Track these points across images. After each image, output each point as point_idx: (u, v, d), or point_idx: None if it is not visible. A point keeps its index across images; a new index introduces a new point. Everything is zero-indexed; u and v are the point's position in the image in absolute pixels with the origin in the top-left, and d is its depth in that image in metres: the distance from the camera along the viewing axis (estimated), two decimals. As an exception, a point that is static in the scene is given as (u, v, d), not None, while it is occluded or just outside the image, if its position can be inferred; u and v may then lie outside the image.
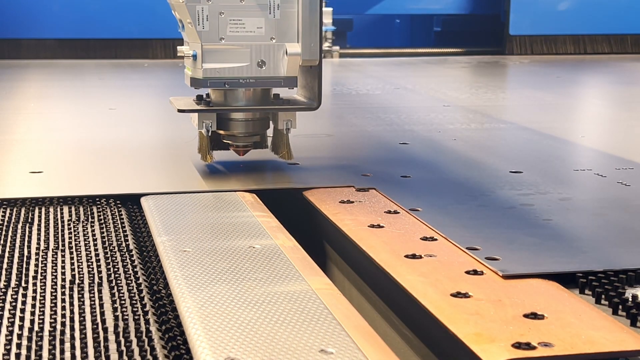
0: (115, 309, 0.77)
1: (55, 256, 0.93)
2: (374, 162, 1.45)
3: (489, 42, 3.91)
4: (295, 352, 0.65)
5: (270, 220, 1.03)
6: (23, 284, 0.84)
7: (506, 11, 3.79)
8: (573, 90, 2.78)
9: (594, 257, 0.90)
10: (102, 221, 1.06)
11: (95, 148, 1.57)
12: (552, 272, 0.84)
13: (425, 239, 0.96)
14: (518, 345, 0.66)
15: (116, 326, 0.73)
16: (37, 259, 0.91)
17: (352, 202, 1.13)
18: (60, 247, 0.96)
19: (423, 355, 0.80)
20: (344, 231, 1.01)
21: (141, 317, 0.76)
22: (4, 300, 0.79)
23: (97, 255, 0.94)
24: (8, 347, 0.69)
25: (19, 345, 0.69)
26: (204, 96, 1.31)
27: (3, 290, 0.82)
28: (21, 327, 0.73)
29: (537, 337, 0.68)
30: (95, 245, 0.97)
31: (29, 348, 0.68)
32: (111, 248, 0.96)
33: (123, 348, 0.68)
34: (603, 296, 0.78)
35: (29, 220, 1.07)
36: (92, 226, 1.04)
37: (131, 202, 1.15)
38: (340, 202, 1.13)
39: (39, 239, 0.99)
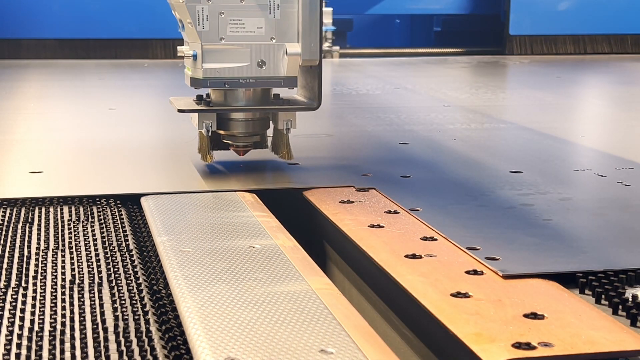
0: (115, 309, 0.77)
1: (55, 256, 0.93)
2: (374, 162, 1.45)
3: (489, 42, 3.91)
4: (295, 352, 0.65)
5: (270, 220, 1.03)
6: (23, 284, 0.84)
7: (506, 11, 3.79)
8: (573, 90, 2.78)
9: (594, 257, 0.90)
10: (102, 221, 1.06)
11: (95, 148, 1.57)
12: (552, 272, 0.84)
13: (425, 239, 0.96)
14: (518, 345, 0.66)
15: (116, 326, 0.73)
16: (37, 259, 0.91)
17: (352, 202, 1.13)
18: (60, 247, 0.96)
19: (423, 355, 0.80)
20: (344, 231, 1.01)
21: (141, 317, 0.76)
22: (4, 300, 0.79)
23: (97, 255, 0.94)
24: (8, 347, 0.69)
25: (19, 345, 0.69)
26: (204, 96, 1.31)
27: (3, 290, 0.82)
28: (21, 327, 0.73)
29: (537, 337, 0.68)
30: (95, 245, 0.97)
31: (29, 348, 0.68)
32: (111, 248, 0.96)
33: (123, 348, 0.68)
34: (603, 296, 0.78)
35: (29, 220, 1.07)
36: (92, 226, 1.04)
37: (131, 202, 1.15)
38: (340, 202, 1.13)
39: (39, 239, 0.99)
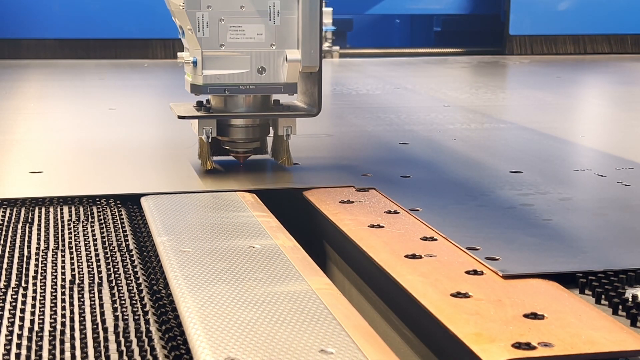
0: (115, 309, 0.77)
1: (55, 256, 0.93)
2: (374, 162, 1.45)
3: (489, 42, 3.91)
4: (295, 352, 0.65)
5: (270, 220, 1.03)
6: (23, 284, 0.84)
7: (506, 11, 3.79)
8: (573, 90, 2.78)
9: (594, 257, 0.90)
10: (102, 221, 1.06)
11: (95, 148, 1.57)
12: (552, 272, 0.84)
13: (425, 239, 0.96)
14: (518, 345, 0.66)
15: (116, 326, 0.73)
16: (37, 259, 0.91)
17: (352, 202, 1.13)
18: (60, 247, 0.96)
19: (423, 355, 0.80)
20: (344, 231, 1.01)
21: (141, 317, 0.76)
22: (4, 300, 0.79)
23: (97, 255, 0.94)
24: (8, 347, 0.69)
25: (19, 345, 0.69)
26: (204, 102, 1.31)
27: (3, 290, 0.82)
28: (21, 327, 0.73)
29: (537, 337, 0.68)
30: (95, 245, 0.97)
31: (29, 348, 0.68)
32: (111, 248, 0.96)
33: (123, 348, 0.68)
34: (603, 296, 0.78)
35: (29, 220, 1.07)
36: (92, 226, 1.04)
37: (131, 202, 1.15)
38: (340, 202, 1.13)
39: (39, 239, 0.99)
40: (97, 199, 1.15)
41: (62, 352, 0.68)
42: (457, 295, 0.78)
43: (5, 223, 1.05)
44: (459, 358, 0.70)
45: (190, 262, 0.86)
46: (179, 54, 1.27)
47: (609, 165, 1.41)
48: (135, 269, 0.88)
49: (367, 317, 0.85)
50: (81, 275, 0.87)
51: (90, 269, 0.89)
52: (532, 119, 1.94)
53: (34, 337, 0.70)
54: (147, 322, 0.75)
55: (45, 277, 0.86)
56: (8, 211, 1.11)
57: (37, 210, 1.11)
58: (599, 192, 1.24)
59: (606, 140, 1.76)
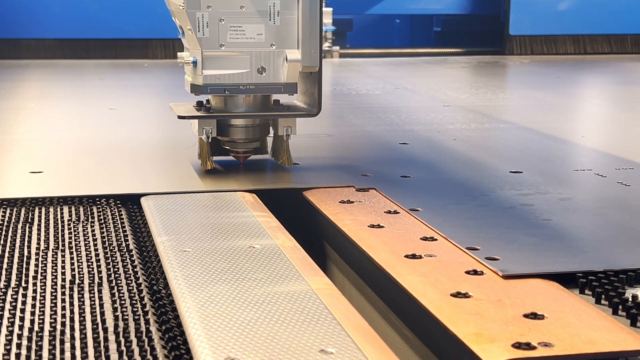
0: (115, 309, 0.77)
1: (55, 256, 0.93)
2: (374, 162, 1.45)
3: (489, 42, 3.91)
4: (295, 352, 0.65)
5: (270, 220, 1.03)
6: (23, 284, 0.84)
7: (506, 11, 3.79)
8: (573, 90, 2.78)
9: (594, 257, 0.90)
10: (102, 221, 1.06)
11: (95, 148, 1.57)
12: (552, 272, 0.84)
13: (425, 239, 0.96)
14: (518, 345, 0.66)
15: (116, 326, 0.73)
16: (37, 259, 0.91)
17: (352, 202, 1.13)
18: (60, 247, 0.96)
19: (423, 355, 0.80)
20: (344, 231, 1.01)
21: (141, 317, 0.76)
22: (4, 300, 0.79)
23: (97, 255, 0.94)
24: (8, 347, 0.69)
25: (19, 345, 0.69)
26: (204, 102, 1.31)
27: (3, 290, 0.82)
28: (21, 327, 0.73)
29: (537, 337, 0.68)
30: (95, 245, 0.97)
31: (29, 348, 0.68)
32: (111, 248, 0.96)
33: (123, 348, 0.68)
34: (603, 296, 0.78)
35: (29, 220, 1.07)
36: (92, 226, 1.04)
37: (131, 202, 1.15)
38: (340, 202, 1.13)
39: (39, 239, 0.99)
40: (97, 199, 1.15)
41: (62, 352, 0.68)
42: (457, 295, 0.78)
43: (5, 223, 1.05)
44: (459, 358, 0.70)
45: (190, 262, 0.86)
46: (179, 54, 1.27)
47: (609, 165, 1.41)
48: (135, 269, 0.88)
49: (367, 317, 0.85)
50: (81, 275, 0.87)
51: (90, 269, 0.89)
52: (532, 119, 1.94)
53: (34, 337, 0.70)
54: (147, 322, 0.75)
55: (45, 277, 0.86)
56: (8, 211, 1.11)
57: (37, 210, 1.11)
58: (599, 192, 1.24)
59: (606, 140, 1.76)
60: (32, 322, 0.74)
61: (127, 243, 0.97)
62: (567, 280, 0.83)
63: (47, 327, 0.73)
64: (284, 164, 1.33)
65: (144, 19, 3.48)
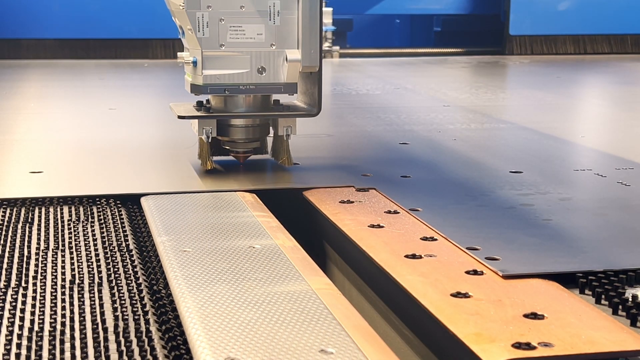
0: (115, 309, 0.77)
1: (55, 256, 0.93)
2: (374, 162, 1.45)
3: (489, 42, 3.91)
4: (295, 352, 0.65)
5: (270, 220, 1.03)
6: (23, 284, 0.84)
7: (506, 11, 3.79)
8: (573, 90, 2.78)
9: (594, 257, 0.90)
10: (102, 221, 1.06)
11: (95, 148, 1.57)
12: (552, 272, 0.84)
13: (425, 239, 0.96)
14: (518, 345, 0.66)
15: (116, 326, 0.73)
16: (37, 259, 0.91)
17: (352, 202, 1.13)
18: (60, 247, 0.96)
19: (423, 355, 0.80)
20: (344, 231, 1.01)
21: (141, 317, 0.76)
22: (4, 300, 0.79)
23: (97, 255, 0.94)
24: (8, 347, 0.69)
25: (19, 345, 0.69)
26: (204, 102, 1.31)
27: (3, 290, 0.82)
28: (21, 327, 0.73)
29: (537, 337, 0.68)
30: (95, 245, 0.97)
31: (29, 348, 0.68)
32: (111, 248, 0.96)
33: (123, 348, 0.68)
34: (603, 296, 0.78)
35: (29, 220, 1.07)
36: (92, 226, 1.04)
37: (131, 202, 1.15)
38: (340, 202, 1.13)
39: (39, 239, 0.99)
40: (97, 199, 1.15)
41: (62, 352, 0.68)
42: (457, 295, 0.78)
43: (5, 223, 1.05)
44: (459, 358, 0.70)
45: (190, 262, 0.86)
46: (179, 54, 1.27)
47: (609, 165, 1.41)
48: (135, 269, 0.88)
49: (367, 317, 0.85)
50: (81, 275, 0.87)
51: (90, 269, 0.89)
52: (532, 119, 1.94)
53: (34, 337, 0.70)
54: (147, 322, 0.75)
55: (45, 277, 0.86)
56: (8, 211, 1.11)
57: (37, 210, 1.11)
58: (599, 192, 1.24)
59: (606, 140, 1.76)
60: (32, 322, 0.74)
61: (127, 243, 0.97)
62: (567, 280, 0.83)
63: (47, 327, 0.73)
64: (284, 164, 1.33)
65: (144, 19, 3.48)
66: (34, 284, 0.84)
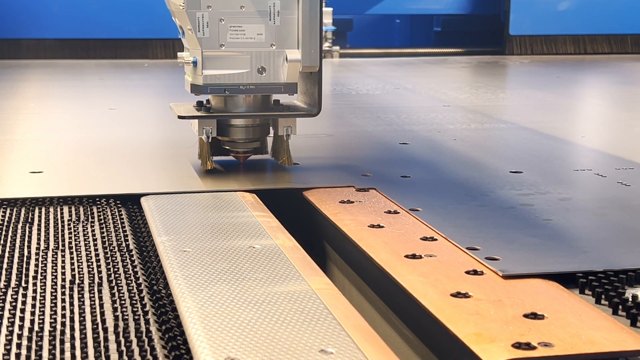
0: (115, 309, 0.77)
1: (55, 256, 0.93)
2: (374, 162, 1.45)
3: (489, 42, 3.91)
4: (295, 352, 0.65)
5: (270, 220, 1.03)
6: (23, 284, 0.84)
7: (506, 11, 3.79)
8: (573, 90, 2.78)
9: (594, 257, 0.90)
10: (102, 221, 1.06)
11: (95, 148, 1.57)
12: (552, 272, 0.84)
13: (425, 239, 0.96)
14: (518, 345, 0.66)
15: (116, 326, 0.73)
16: (37, 259, 0.91)
17: (352, 202, 1.13)
18: (60, 247, 0.96)
19: (423, 355, 0.80)
20: (344, 231, 1.01)
21: (141, 317, 0.76)
22: (4, 300, 0.79)
23: (97, 255, 0.94)
24: (8, 347, 0.69)
25: (19, 345, 0.69)
26: (204, 102, 1.31)
27: (3, 290, 0.82)
28: (21, 327, 0.73)
29: (537, 337, 0.68)
30: (95, 245, 0.97)
31: (29, 348, 0.68)
32: (111, 248, 0.96)
33: (123, 348, 0.68)
34: (603, 296, 0.78)
35: (29, 220, 1.07)
36: (92, 226, 1.04)
37: (131, 202, 1.15)
38: (340, 202, 1.13)
39: (39, 239, 0.99)
40: (97, 199, 1.15)
41: (62, 352, 0.68)
42: (457, 295, 0.78)
43: (5, 223, 1.05)
44: (459, 358, 0.70)
45: (190, 262, 0.86)
46: (179, 54, 1.27)
47: (609, 165, 1.41)
48: (135, 269, 0.88)
49: (367, 317, 0.85)
50: (81, 275, 0.87)
51: (90, 269, 0.89)
52: (532, 119, 1.94)
53: (34, 337, 0.70)
54: (147, 322, 0.75)
55: (45, 277, 0.86)
56: (8, 211, 1.11)
57: (37, 210, 1.11)
58: (599, 192, 1.24)
59: (606, 140, 1.76)
60: (32, 322, 0.74)
61: (127, 243, 0.97)
62: (567, 280, 0.83)
63: (47, 327, 0.73)
64: (284, 164, 1.33)
65: (144, 19, 3.48)
66: (34, 284, 0.84)
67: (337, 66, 3.42)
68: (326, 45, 3.63)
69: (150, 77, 2.98)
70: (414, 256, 0.89)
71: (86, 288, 0.83)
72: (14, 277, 0.86)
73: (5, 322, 0.74)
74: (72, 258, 0.92)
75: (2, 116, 1.99)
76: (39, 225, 1.05)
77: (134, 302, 0.78)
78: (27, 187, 1.24)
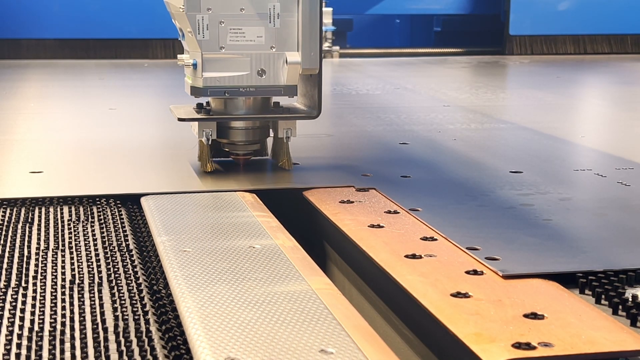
0: (115, 309, 0.77)
1: (55, 256, 0.93)
2: (374, 162, 1.45)
3: (489, 42, 3.91)
4: (295, 352, 0.65)
5: (270, 220, 1.03)
6: (23, 284, 0.84)
7: (506, 11, 3.79)
8: (573, 90, 2.78)
9: (594, 257, 0.90)
10: (102, 221, 1.06)
11: (95, 148, 1.57)
12: (552, 272, 0.84)
13: (425, 239, 0.96)
14: (518, 345, 0.66)
15: (116, 326, 0.73)
16: (37, 259, 0.91)
17: (352, 202, 1.13)
18: (60, 247, 0.96)
19: (423, 355, 0.80)
20: (344, 231, 1.01)
21: (141, 317, 0.76)
22: (4, 300, 0.79)
23: (97, 255, 0.94)
24: (8, 347, 0.69)
25: (19, 345, 0.69)
26: (204, 104, 1.31)
27: (3, 290, 0.82)
28: (21, 327, 0.73)
29: (537, 337, 0.68)
30: (95, 245, 0.97)
31: (29, 348, 0.68)
32: (111, 248, 0.96)
33: (123, 348, 0.68)
34: (603, 296, 0.78)
35: (29, 220, 1.07)
36: (92, 226, 1.04)
37: (131, 202, 1.15)
38: (340, 202, 1.13)
39: (39, 239, 1.00)
40: (97, 199, 1.15)
41: (62, 352, 0.68)
42: (457, 295, 0.78)
43: (5, 223, 1.05)
44: (459, 358, 0.70)
45: (190, 262, 0.86)
46: (178, 56, 1.27)
47: (609, 165, 1.41)
48: (135, 269, 0.88)
49: (367, 317, 0.85)
50: (81, 275, 0.87)
51: (90, 269, 0.89)
52: (532, 119, 1.94)
53: (34, 337, 0.70)
54: (147, 322, 0.75)
55: (45, 277, 0.86)
56: (8, 211, 1.11)
57: (37, 210, 1.11)
58: (599, 192, 1.24)
59: (606, 140, 1.76)
60: (32, 322, 0.74)
61: (127, 243, 0.97)
62: (567, 280, 0.83)
63: (47, 327, 0.73)
64: (284, 166, 1.33)
65: (144, 19, 3.48)
66: (34, 284, 0.84)
67: (337, 66, 3.41)
68: (326, 45, 3.63)
69: (150, 77, 2.98)
70: (414, 256, 0.89)
71: (86, 288, 0.83)
72: (14, 277, 0.86)
73: (5, 322, 0.74)
74: (72, 258, 0.92)
75: (2, 116, 1.99)
76: (39, 225, 1.05)
77: (134, 302, 0.78)
78: (27, 187, 1.24)
